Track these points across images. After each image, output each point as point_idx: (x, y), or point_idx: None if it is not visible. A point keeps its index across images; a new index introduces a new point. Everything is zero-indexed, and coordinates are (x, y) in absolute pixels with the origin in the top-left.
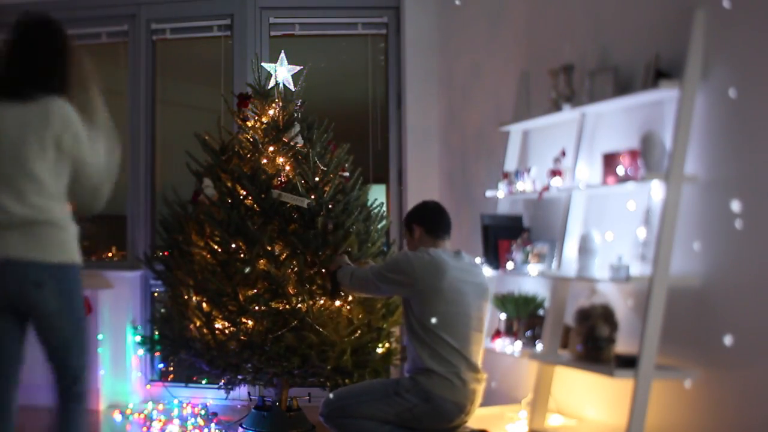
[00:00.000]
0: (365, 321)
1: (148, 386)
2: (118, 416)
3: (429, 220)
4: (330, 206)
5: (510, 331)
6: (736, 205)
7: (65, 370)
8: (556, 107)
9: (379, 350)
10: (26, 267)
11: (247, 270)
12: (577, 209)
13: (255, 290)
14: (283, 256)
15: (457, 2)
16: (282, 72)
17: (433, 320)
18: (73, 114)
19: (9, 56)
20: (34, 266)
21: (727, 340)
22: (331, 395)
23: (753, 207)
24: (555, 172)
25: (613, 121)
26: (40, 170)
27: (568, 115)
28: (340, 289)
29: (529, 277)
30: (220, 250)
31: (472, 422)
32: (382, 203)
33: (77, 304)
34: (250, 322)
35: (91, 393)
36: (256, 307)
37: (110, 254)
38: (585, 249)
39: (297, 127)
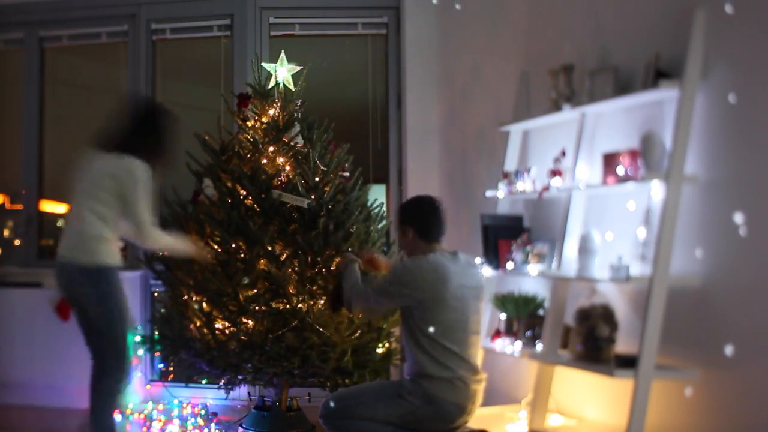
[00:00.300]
0: (365, 321)
1: (148, 386)
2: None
3: (422, 223)
4: (330, 206)
5: (510, 331)
6: (736, 205)
7: (103, 346)
8: (556, 107)
9: (379, 350)
10: (72, 266)
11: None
12: (577, 209)
13: (255, 290)
14: (284, 257)
15: (458, 6)
16: (282, 72)
17: (431, 329)
18: (139, 172)
19: (119, 123)
20: (77, 266)
21: (727, 339)
22: (330, 397)
23: (753, 207)
24: (555, 172)
25: (613, 121)
26: (101, 199)
27: (568, 115)
28: (341, 302)
29: (529, 277)
30: (220, 250)
31: (472, 422)
32: (382, 203)
33: (111, 300)
34: (250, 322)
35: (127, 386)
36: (257, 307)
37: None
38: (585, 249)
39: (297, 127)
